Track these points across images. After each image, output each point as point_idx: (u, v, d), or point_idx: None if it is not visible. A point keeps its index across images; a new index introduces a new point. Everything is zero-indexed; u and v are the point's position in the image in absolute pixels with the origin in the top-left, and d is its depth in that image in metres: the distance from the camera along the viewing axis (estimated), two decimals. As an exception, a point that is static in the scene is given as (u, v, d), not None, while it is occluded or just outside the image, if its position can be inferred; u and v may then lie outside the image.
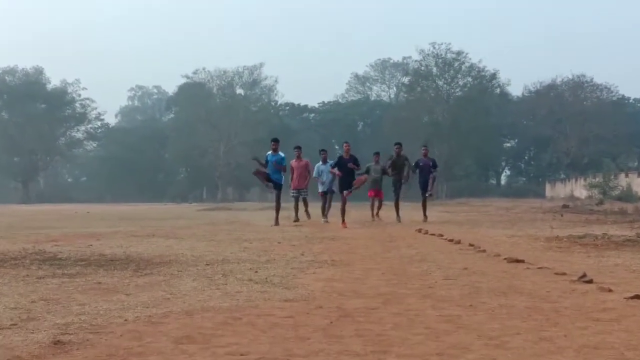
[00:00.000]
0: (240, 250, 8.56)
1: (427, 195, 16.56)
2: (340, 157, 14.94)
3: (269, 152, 15.00)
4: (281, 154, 14.97)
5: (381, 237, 11.09)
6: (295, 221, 15.26)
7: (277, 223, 14.52)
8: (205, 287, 5.38)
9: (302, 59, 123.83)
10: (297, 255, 7.92)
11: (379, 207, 16.91)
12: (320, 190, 16.06)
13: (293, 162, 16.03)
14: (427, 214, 16.58)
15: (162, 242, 9.94)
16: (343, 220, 14.13)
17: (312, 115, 77.11)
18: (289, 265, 6.93)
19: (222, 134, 66.26)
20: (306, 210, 16.18)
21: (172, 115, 79.16)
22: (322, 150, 16.69)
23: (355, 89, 79.94)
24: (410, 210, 19.38)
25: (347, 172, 14.58)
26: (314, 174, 16.09)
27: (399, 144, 16.42)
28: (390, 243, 9.90)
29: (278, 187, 15.07)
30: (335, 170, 14.81)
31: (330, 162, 16.06)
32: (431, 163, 16.55)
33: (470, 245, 8.97)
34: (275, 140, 15.24)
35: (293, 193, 16.09)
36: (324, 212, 15.65)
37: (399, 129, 56.01)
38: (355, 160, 14.80)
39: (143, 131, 74.38)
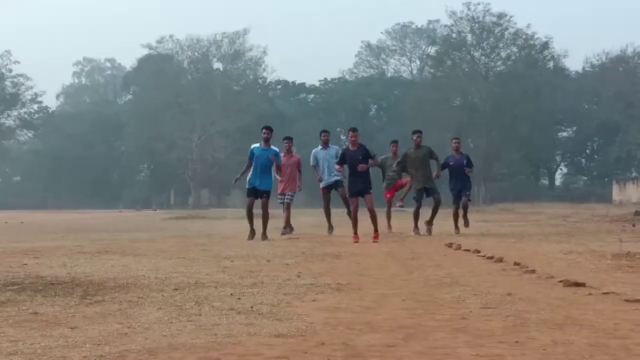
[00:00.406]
0: (219, 271, 8.55)
1: (465, 200, 16.43)
2: (346, 151, 14.05)
3: (256, 145, 14.47)
4: (274, 148, 14.60)
5: (401, 254, 11.07)
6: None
7: (264, 236, 14.58)
8: (173, 318, 5.37)
9: (298, 24, 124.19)
10: (292, 277, 7.91)
11: (388, 214, 17.06)
12: (322, 185, 15.78)
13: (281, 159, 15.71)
14: (458, 224, 16.56)
15: (117, 260, 9.93)
16: (355, 233, 13.78)
17: (312, 96, 77.27)
18: (282, 290, 6.93)
19: (195, 121, 66.38)
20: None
21: (130, 97, 79.38)
22: (324, 131, 16.20)
23: (367, 63, 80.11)
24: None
25: (356, 172, 13.82)
26: (312, 162, 15.93)
27: (418, 132, 15.73)
28: (413, 261, 9.88)
29: (266, 194, 14.50)
30: (341, 168, 14.37)
31: (333, 147, 15.92)
32: (465, 161, 16.38)
33: (516, 264, 8.96)
34: (268, 129, 14.76)
35: (281, 198, 16.25)
36: (329, 217, 15.76)
37: (424, 115, 56.21)
38: (366, 154, 13.89)
39: (93, 117, 74.49)
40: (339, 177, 15.51)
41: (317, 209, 16.74)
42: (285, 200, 16.11)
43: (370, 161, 13.98)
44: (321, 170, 15.70)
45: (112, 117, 74.00)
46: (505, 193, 56.14)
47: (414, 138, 15.61)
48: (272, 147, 14.51)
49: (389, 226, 16.90)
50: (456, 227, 16.43)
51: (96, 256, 10.55)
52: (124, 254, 10.88)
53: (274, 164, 14.60)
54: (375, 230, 13.82)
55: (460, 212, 16.53)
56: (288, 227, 15.98)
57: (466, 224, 16.64)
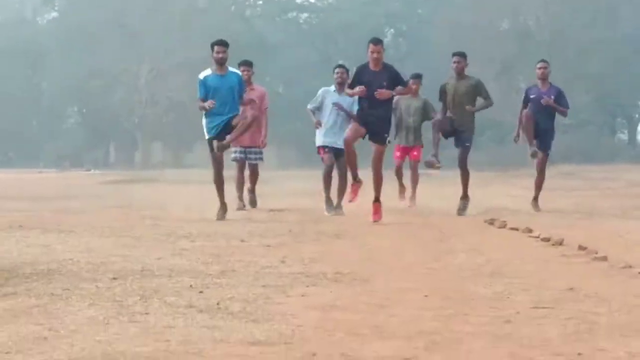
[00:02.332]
0: (174, 255, 8.58)
1: (543, 158, 15.83)
2: (363, 70, 12.97)
3: (207, 73, 13.56)
4: (236, 71, 13.95)
5: (424, 234, 11.08)
6: (239, 208, 14.75)
7: (241, 205, 14.63)
8: (110, 317, 5.38)
9: None
10: (275, 264, 7.95)
11: (415, 181, 16.86)
12: (320, 142, 15.01)
13: None
14: (537, 193, 15.86)
15: (35, 238, 9.95)
16: (376, 200, 12.95)
17: (305, 16, 76.95)
18: (260, 280, 6.95)
19: (145, 50, 66.12)
20: (251, 189, 15.46)
21: (54, 14, 78.85)
22: (339, 66, 15.56)
23: (381, -29, 79.55)
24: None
25: (374, 102, 12.70)
26: (312, 104, 15.16)
27: (460, 55, 15.15)
28: (440, 244, 9.90)
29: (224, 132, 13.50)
30: (353, 91, 12.89)
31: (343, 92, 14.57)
32: (554, 96, 15.69)
33: (581, 248, 9.00)
34: (247, 65, 15.11)
35: (236, 153, 15.51)
36: (328, 190, 14.88)
37: (458, 43, 55.72)
38: (395, 79, 12.90)
39: (3, 43, 74.06)
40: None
41: (311, 171, 16.12)
42: (251, 161, 15.49)
43: (398, 88, 12.90)
44: (327, 123, 14.84)
45: (29, 42, 73.47)
46: (569, 151, 56.01)
47: (455, 62, 15.04)
48: (232, 69, 13.73)
49: (402, 193, 16.85)
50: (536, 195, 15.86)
51: (7, 232, 10.55)
52: (44, 230, 10.89)
53: (239, 96, 13.59)
54: (376, 199, 12.99)
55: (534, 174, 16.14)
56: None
57: (536, 195, 15.84)
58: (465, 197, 14.87)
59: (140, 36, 65.76)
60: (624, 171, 37.33)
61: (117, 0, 66.33)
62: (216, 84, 13.27)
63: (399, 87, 12.85)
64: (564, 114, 16.14)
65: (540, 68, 15.92)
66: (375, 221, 12.67)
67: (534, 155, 15.61)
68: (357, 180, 13.28)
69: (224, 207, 13.39)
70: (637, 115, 71.12)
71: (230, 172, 14.41)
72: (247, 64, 15.49)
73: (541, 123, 15.57)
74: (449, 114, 14.86)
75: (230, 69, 13.55)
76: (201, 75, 13.50)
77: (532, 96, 15.71)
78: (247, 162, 15.55)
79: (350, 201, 13.75)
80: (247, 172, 15.70)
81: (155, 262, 7.99)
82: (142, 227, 11.68)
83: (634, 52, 65.41)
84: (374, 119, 12.81)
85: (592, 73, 60.08)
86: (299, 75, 63.79)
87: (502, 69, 59.30)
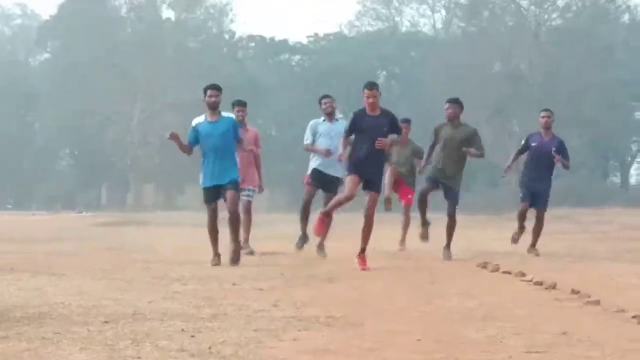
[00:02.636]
0: (166, 298, 8.56)
1: (541, 211, 15.49)
2: (360, 115, 12.50)
3: (200, 120, 12.99)
4: (228, 114, 13.34)
5: (415, 277, 11.05)
6: (214, 264, 12.74)
7: (246, 246, 14.38)
8: (101, 362, 5.36)
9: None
10: (267, 307, 7.93)
11: (406, 224, 16.78)
12: (310, 168, 14.66)
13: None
14: (535, 240, 15.58)
15: (27, 281, 9.92)
16: (362, 251, 12.36)
17: (297, 57, 77.22)
18: (252, 324, 6.93)
19: (137, 90, 66.32)
20: (234, 235, 13.11)
21: (47, 56, 79.03)
22: (325, 97, 15.07)
23: (373, 13, 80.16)
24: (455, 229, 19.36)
25: (372, 150, 12.19)
26: (307, 139, 14.72)
27: (454, 102, 14.59)
28: (432, 287, 9.88)
29: (232, 185, 12.93)
30: (347, 141, 12.61)
31: (340, 118, 15.12)
32: (555, 147, 15.19)
33: (574, 292, 9.00)
34: (241, 105, 14.99)
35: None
36: (305, 223, 14.51)
37: (450, 85, 56.05)
38: (393, 124, 12.52)
39: (-4, 83, 74.35)
40: (339, 174, 14.09)
41: (289, 217, 15.63)
42: (243, 198, 14.54)
43: (393, 137, 12.50)
44: (321, 149, 14.44)
45: (22, 83, 73.68)
46: (562, 194, 56.00)
47: (447, 109, 14.48)
48: (225, 113, 13.15)
49: (403, 240, 16.59)
50: (514, 239, 15.69)
51: (-2, 275, 10.52)
52: (36, 273, 10.85)
53: (235, 140, 13.05)
54: (362, 251, 12.37)
55: (530, 225, 15.56)
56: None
57: (533, 243, 15.52)
58: (448, 246, 14.34)
59: (132, 77, 65.90)
60: (617, 214, 37.42)
61: (109, 41, 66.53)
62: (208, 131, 12.79)
63: (396, 137, 12.54)
64: (567, 168, 15.89)
65: (543, 117, 15.45)
66: (363, 269, 12.00)
67: (514, 240, 15.61)
68: (362, 254, 12.38)
69: (217, 257, 12.77)
70: (629, 159, 71.28)
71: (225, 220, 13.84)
72: (241, 104, 15.27)
73: (540, 173, 15.33)
74: (435, 162, 14.36)
75: (224, 113, 13.04)
76: (194, 122, 13.07)
77: (533, 144, 15.33)
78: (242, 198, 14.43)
79: (315, 233, 13.38)
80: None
81: (147, 305, 7.97)
82: (134, 269, 11.65)
83: (627, 95, 65.74)
84: (371, 169, 12.37)
85: (585, 116, 60.24)
86: (291, 117, 63.84)
87: (494, 111, 59.47)
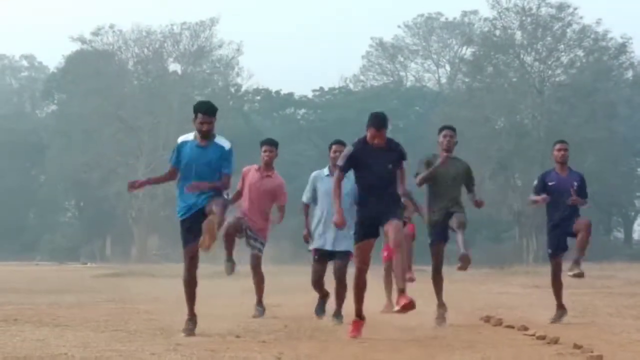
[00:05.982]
0: (169, 350, 8.54)
1: (578, 260, 13.16)
2: (362, 148, 10.35)
3: (186, 139, 10.59)
4: (222, 142, 10.52)
5: (419, 331, 11.02)
6: (188, 333, 10.33)
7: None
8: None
9: (284, 12, 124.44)
10: (270, 360, 7.90)
11: (388, 282, 15.34)
12: (313, 246, 12.53)
13: (250, 174, 13.15)
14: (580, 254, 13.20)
15: (30, 332, 9.90)
16: (359, 314, 10.45)
17: (302, 111, 77.48)
18: (255, 377, 6.92)
19: (143, 143, 66.44)
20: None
21: (54, 108, 79.26)
22: (336, 142, 12.53)
23: (378, 68, 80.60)
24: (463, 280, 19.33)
25: (382, 191, 10.24)
26: (306, 195, 12.66)
27: (448, 129, 12.93)
28: (435, 341, 9.85)
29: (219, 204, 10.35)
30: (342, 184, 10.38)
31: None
32: (577, 182, 13.14)
33: (576, 347, 8.98)
34: (270, 144, 13.14)
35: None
36: (321, 293, 12.74)
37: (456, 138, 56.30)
38: (400, 157, 10.56)
39: (2, 135, 74.53)
40: (348, 248, 11.81)
41: (307, 267, 14.20)
42: (252, 252, 13.05)
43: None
44: (319, 216, 12.41)
45: (28, 135, 73.95)
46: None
47: (447, 136, 12.66)
48: (219, 140, 10.51)
49: (389, 301, 14.46)
50: (559, 305, 13.42)
51: (2, 326, 10.49)
52: (39, 324, 10.83)
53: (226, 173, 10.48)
54: (360, 314, 10.55)
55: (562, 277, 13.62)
56: (319, 310, 12.88)
57: (577, 260, 13.21)
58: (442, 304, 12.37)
59: (137, 130, 66.08)
60: (620, 270, 37.34)
61: (115, 94, 66.69)
62: (192, 155, 10.39)
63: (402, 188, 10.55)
64: (584, 204, 13.25)
65: (559, 149, 13.19)
66: (354, 337, 10.19)
67: (577, 274, 13.16)
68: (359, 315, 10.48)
69: (193, 319, 10.52)
70: (632, 214, 71.21)
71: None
72: (270, 144, 13.14)
73: (563, 215, 13.06)
74: (434, 215, 12.18)
75: (218, 139, 10.46)
76: (180, 139, 10.67)
77: (550, 184, 13.04)
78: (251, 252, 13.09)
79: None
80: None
81: (149, 357, 7.94)
82: (137, 321, 11.61)
83: (630, 151, 65.85)
84: (380, 206, 10.14)
85: (588, 171, 59.77)
86: (296, 170, 63.83)
87: (498, 166, 59.50)
